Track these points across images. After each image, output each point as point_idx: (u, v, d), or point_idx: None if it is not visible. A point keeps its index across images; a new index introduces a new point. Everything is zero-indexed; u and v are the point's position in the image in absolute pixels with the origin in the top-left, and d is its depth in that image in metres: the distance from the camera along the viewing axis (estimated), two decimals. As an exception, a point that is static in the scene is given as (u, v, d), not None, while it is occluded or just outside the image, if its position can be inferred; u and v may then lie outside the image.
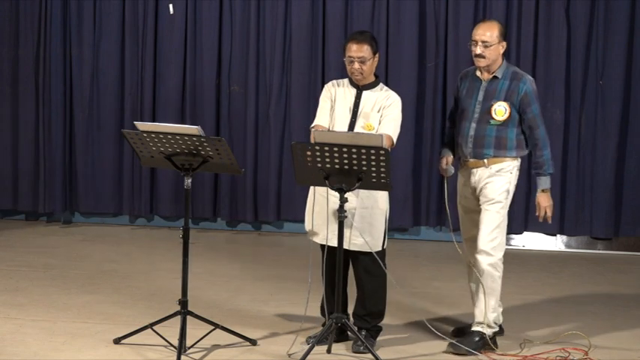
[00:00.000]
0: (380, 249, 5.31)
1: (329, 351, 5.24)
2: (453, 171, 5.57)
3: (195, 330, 5.26)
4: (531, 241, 8.36)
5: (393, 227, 8.39)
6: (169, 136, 5.08)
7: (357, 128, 5.27)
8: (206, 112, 8.64)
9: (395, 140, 5.29)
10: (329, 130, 5.28)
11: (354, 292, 5.46)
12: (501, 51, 5.37)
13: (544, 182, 5.41)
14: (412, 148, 8.37)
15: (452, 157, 5.59)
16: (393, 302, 5.58)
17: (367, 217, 5.27)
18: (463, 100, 5.48)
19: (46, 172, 8.75)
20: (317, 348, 5.09)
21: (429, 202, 8.46)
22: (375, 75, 5.37)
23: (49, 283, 6.67)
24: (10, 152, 8.86)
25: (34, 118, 8.78)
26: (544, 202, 5.42)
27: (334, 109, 5.36)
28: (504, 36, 5.39)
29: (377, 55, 5.30)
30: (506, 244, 8.25)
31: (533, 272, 7.39)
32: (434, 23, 8.34)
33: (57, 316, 5.82)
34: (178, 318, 5.19)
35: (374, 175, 4.95)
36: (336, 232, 5.15)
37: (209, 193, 8.69)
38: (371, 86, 5.33)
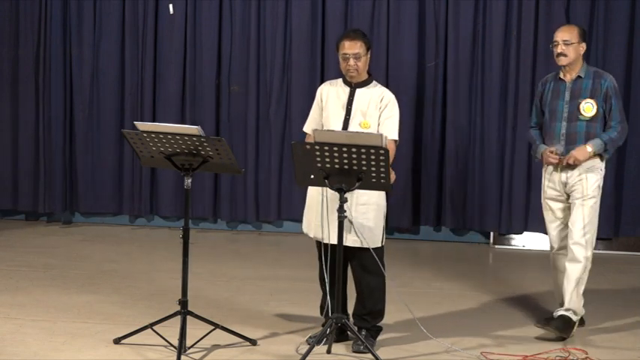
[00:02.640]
0: (378, 245, 5.31)
1: (329, 351, 5.24)
2: (561, 149, 5.72)
3: (195, 330, 5.26)
4: (531, 241, 8.36)
5: (393, 227, 8.40)
6: (169, 136, 5.08)
7: (353, 126, 5.29)
8: (206, 112, 8.64)
9: (398, 138, 5.36)
10: (328, 129, 5.30)
11: (353, 291, 5.46)
12: (581, 52, 5.71)
13: (593, 142, 5.62)
14: (412, 147, 8.37)
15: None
16: (392, 302, 5.57)
17: (364, 213, 5.27)
18: (550, 103, 5.79)
19: (46, 172, 8.75)
20: (317, 348, 5.08)
21: (428, 201, 8.46)
22: (369, 73, 5.41)
23: (49, 283, 6.67)
24: (10, 152, 8.87)
25: (34, 118, 8.78)
26: (576, 151, 5.60)
27: (327, 109, 5.41)
28: (584, 38, 5.73)
29: (370, 52, 5.34)
30: (506, 244, 8.37)
31: (534, 272, 7.39)
32: (434, 23, 8.34)
33: (57, 316, 5.82)
34: (178, 318, 5.19)
35: (374, 175, 4.95)
36: (335, 231, 5.15)
37: (209, 193, 8.69)
38: (364, 84, 5.36)
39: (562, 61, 5.69)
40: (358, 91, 5.35)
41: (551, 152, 5.71)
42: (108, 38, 8.72)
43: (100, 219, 8.96)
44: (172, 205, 8.77)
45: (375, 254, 5.22)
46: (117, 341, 5.30)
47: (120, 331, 5.39)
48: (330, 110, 5.39)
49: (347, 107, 5.34)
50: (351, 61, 5.29)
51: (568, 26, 5.86)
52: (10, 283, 6.62)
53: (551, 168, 5.79)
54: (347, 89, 5.37)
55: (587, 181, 5.65)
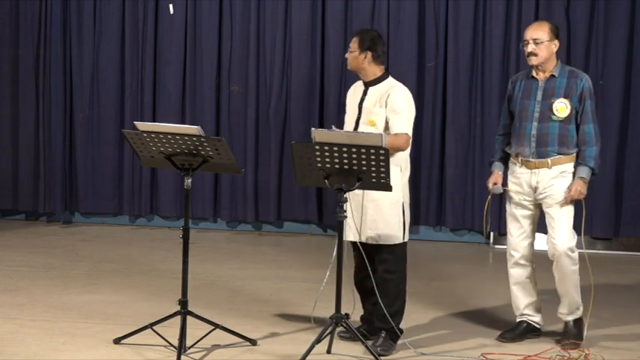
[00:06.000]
0: (399, 241, 5.31)
1: (329, 351, 5.24)
2: (500, 191, 5.64)
3: (195, 330, 5.26)
4: (531, 241, 8.35)
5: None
6: (169, 136, 5.08)
7: (363, 124, 5.33)
8: (206, 112, 8.64)
9: (411, 133, 5.35)
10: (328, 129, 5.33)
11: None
12: (554, 49, 5.49)
13: (581, 171, 5.42)
14: (412, 147, 8.32)
15: (502, 175, 5.66)
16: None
17: (377, 208, 5.27)
18: (520, 102, 5.54)
19: (46, 172, 8.75)
20: (318, 348, 5.07)
21: (428, 201, 8.46)
22: (386, 70, 5.43)
23: (49, 283, 6.67)
24: (10, 152, 8.86)
25: (34, 118, 8.77)
26: (576, 184, 5.40)
27: (348, 108, 5.50)
28: (556, 35, 5.50)
29: (366, 53, 5.34)
30: (507, 245, 8.34)
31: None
32: (434, 23, 8.33)
33: (57, 316, 5.82)
34: (178, 318, 5.19)
35: (374, 174, 4.95)
36: (353, 227, 5.31)
37: (209, 193, 8.69)
38: (376, 82, 5.39)
39: (533, 60, 5.44)
40: (370, 89, 5.39)
41: (494, 184, 5.61)
42: (108, 38, 8.71)
43: (100, 219, 8.96)
44: (172, 205, 8.76)
45: (392, 252, 5.27)
46: (117, 341, 5.30)
47: (120, 331, 5.39)
48: (348, 109, 5.49)
49: (359, 106, 5.39)
50: (347, 54, 5.43)
51: (538, 23, 5.59)
52: (10, 283, 6.62)
53: (517, 168, 5.54)
54: (362, 88, 5.44)
55: (559, 185, 5.42)
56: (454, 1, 8.27)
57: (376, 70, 5.39)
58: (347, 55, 5.43)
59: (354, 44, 5.38)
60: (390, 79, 5.43)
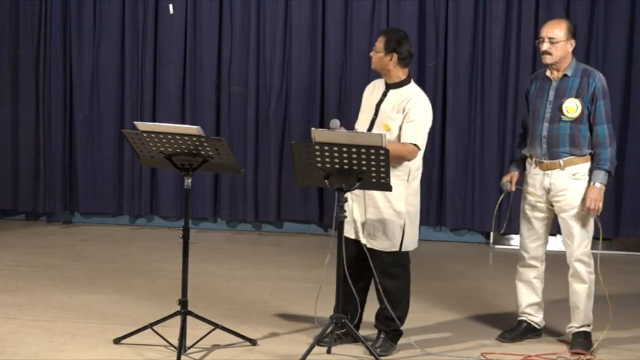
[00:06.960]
0: (395, 249, 5.29)
1: (329, 351, 5.24)
2: (507, 189, 5.60)
3: (195, 330, 5.26)
4: (531, 241, 8.35)
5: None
6: (169, 136, 5.08)
7: (377, 127, 5.30)
8: (206, 112, 8.64)
9: (421, 144, 5.27)
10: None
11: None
12: (570, 49, 5.38)
13: (596, 175, 5.33)
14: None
15: (517, 175, 5.63)
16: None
17: (378, 215, 5.27)
18: (534, 102, 5.50)
19: (46, 172, 8.75)
20: (318, 348, 5.08)
21: (428, 201, 8.45)
22: (409, 75, 5.38)
23: (49, 283, 6.67)
24: (10, 152, 8.85)
25: (34, 118, 8.77)
26: (591, 193, 5.32)
27: (363, 107, 5.46)
28: (573, 34, 5.39)
29: (392, 55, 5.28)
30: (507, 245, 8.36)
31: (533, 272, 7.39)
32: (434, 23, 8.33)
33: (57, 316, 5.82)
34: (178, 318, 5.19)
35: (374, 175, 4.95)
36: (354, 226, 5.30)
37: (209, 193, 8.69)
38: (398, 85, 5.34)
39: (547, 59, 5.36)
40: (391, 92, 5.34)
41: (503, 182, 5.59)
42: (108, 38, 8.71)
43: (100, 219, 8.96)
44: (172, 205, 8.76)
45: (389, 258, 5.25)
46: (117, 341, 5.30)
47: (120, 331, 5.40)
48: (363, 108, 5.45)
49: (376, 107, 5.35)
50: (372, 53, 5.37)
51: (556, 21, 5.49)
52: (10, 283, 6.62)
53: (532, 169, 5.51)
54: (383, 89, 5.39)
55: (575, 190, 5.36)
56: (454, 1, 8.27)
57: (400, 73, 5.33)
58: (372, 54, 5.36)
59: (379, 44, 5.31)
60: (412, 85, 5.36)
